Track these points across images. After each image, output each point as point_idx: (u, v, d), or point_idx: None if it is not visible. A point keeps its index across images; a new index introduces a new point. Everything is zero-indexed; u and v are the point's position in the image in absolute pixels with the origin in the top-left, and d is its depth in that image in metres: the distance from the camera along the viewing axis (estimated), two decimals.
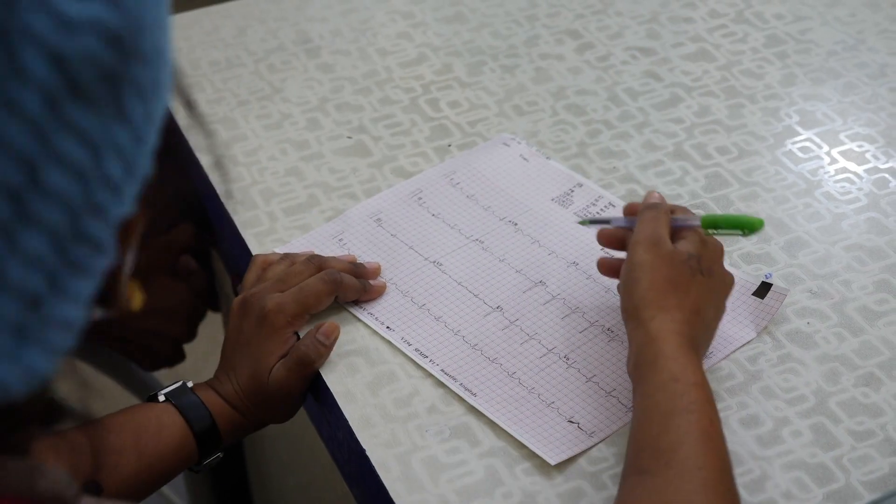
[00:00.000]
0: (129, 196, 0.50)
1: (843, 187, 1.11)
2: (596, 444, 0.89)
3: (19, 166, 0.45)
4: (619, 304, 0.99)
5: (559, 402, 0.92)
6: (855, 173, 1.12)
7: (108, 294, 0.52)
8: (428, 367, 0.95)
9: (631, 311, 0.87)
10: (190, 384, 0.97)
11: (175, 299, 1.32)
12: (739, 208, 1.08)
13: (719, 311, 0.91)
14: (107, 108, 0.47)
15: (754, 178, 1.12)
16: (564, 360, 0.95)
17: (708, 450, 0.79)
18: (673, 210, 0.94)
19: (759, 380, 0.94)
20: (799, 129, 1.17)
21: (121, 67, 0.47)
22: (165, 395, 0.96)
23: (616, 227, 0.96)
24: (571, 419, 0.91)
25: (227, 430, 0.97)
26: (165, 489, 1.73)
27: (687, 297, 0.87)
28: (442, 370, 0.95)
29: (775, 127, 1.17)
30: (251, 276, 1.01)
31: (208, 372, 1.01)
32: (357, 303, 1.00)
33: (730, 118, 1.18)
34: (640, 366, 0.84)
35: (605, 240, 0.97)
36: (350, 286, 0.99)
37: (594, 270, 1.02)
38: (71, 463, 0.83)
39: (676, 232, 0.92)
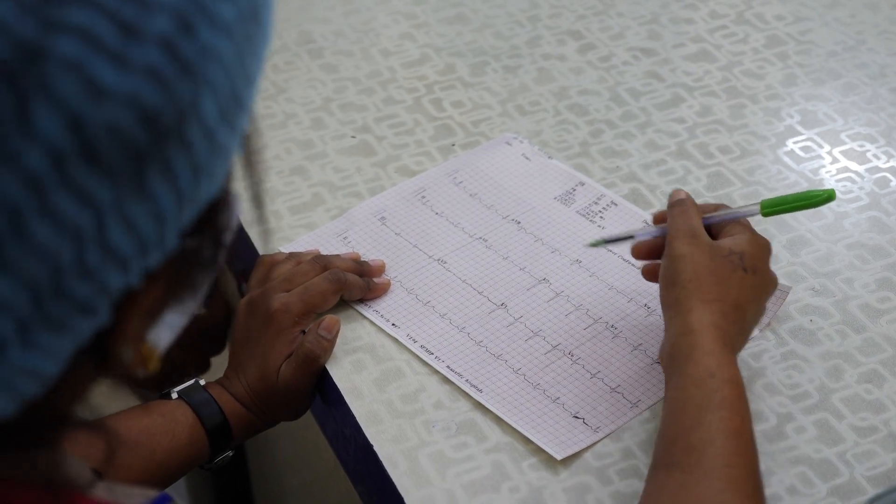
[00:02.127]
0: (136, 269, 0.48)
1: (844, 186, 1.11)
2: (601, 440, 0.90)
3: (2, 212, 0.44)
4: (623, 301, 1.00)
5: (564, 397, 0.93)
6: (856, 172, 1.13)
7: (105, 354, 0.51)
8: (434, 363, 0.96)
9: (671, 301, 0.87)
10: (202, 382, 0.97)
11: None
12: None
13: (759, 310, 0.90)
14: (124, 180, 0.46)
15: (756, 177, 1.12)
16: (569, 356, 0.96)
17: (737, 448, 0.79)
18: (716, 207, 0.94)
19: (763, 376, 0.94)
20: (800, 128, 1.18)
21: (152, 146, 0.46)
22: (178, 392, 0.96)
23: (642, 239, 0.95)
24: (577, 415, 0.92)
25: (238, 428, 0.97)
26: (168, 490, 1.74)
27: (728, 292, 0.86)
28: (448, 367, 0.95)
29: (777, 127, 1.18)
30: (257, 275, 1.02)
31: (213, 375, 1.01)
32: (363, 301, 1.01)
33: (731, 118, 1.19)
34: (676, 357, 0.84)
35: (643, 252, 0.95)
36: (354, 284, 0.99)
37: (597, 268, 1.03)
38: (84, 455, 0.84)
39: (724, 227, 0.91)
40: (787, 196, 0.93)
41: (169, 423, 0.94)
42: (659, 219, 0.96)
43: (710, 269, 0.87)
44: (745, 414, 0.81)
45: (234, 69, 0.48)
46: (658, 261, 0.93)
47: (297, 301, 0.96)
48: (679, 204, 0.92)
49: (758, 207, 0.92)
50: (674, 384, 0.83)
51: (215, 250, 0.54)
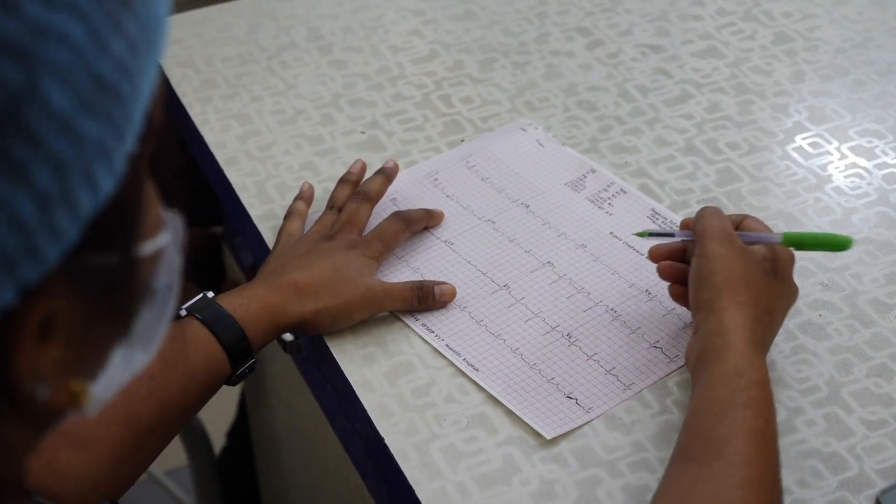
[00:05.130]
0: (7, 287, 0.43)
1: (852, 182, 1.12)
2: (591, 420, 0.91)
3: None
4: (624, 286, 1.00)
5: (559, 377, 0.94)
6: (865, 168, 1.13)
7: (7, 391, 0.46)
8: (433, 341, 0.97)
9: (704, 302, 0.87)
10: (210, 294, 0.94)
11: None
12: (751, 203, 1.09)
13: (783, 318, 0.91)
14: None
15: (765, 172, 1.13)
16: (567, 337, 0.97)
17: (758, 448, 0.79)
18: (741, 219, 0.94)
19: (773, 370, 0.94)
20: (808, 124, 1.18)
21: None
22: (187, 309, 0.92)
23: (674, 241, 0.95)
24: (570, 395, 0.92)
25: (260, 326, 0.93)
26: (173, 487, 1.74)
27: (760, 297, 0.87)
28: (447, 345, 0.97)
29: (785, 123, 1.19)
30: (294, 224, 1.04)
31: None
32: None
33: (740, 114, 1.19)
34: (706, 355, 0.84)
35: (663, 254, 0.95)
36: (418, 217, 1.04)
37: (602, 253, 1.04)
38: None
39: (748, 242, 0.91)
40: (807, 234, 0.95)
41: (180, 345, 0.90)
42: (685, 225, 0.96)
43: (743, 272, 0.87)
44: (769, 416, 0.81)
45: (90, 51, 0.43)
46: (677, 263, 0.95)
47: (375, 240, 1.00)
48: (712, 209, 0.92)
49: (780, 237, 0.93)
50: (702, 381, 0.84)
51: (134, 268, 0.49)
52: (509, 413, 0.92)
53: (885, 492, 0.81)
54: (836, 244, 0.95)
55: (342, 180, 1.08)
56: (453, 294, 0.99)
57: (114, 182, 0.45)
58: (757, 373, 0.83)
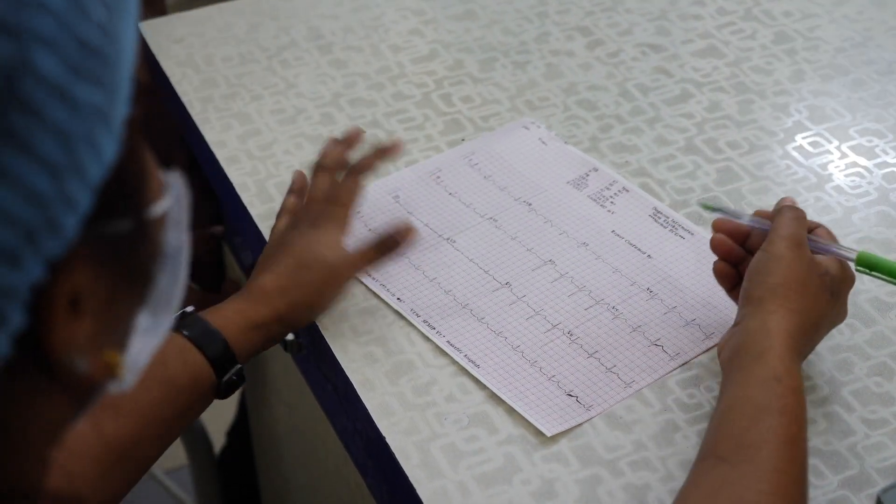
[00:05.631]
0: (31, 262, 0.44)
1: (853, 181, 1.12)
2: (591, 418, 0.91)
3: None
4: (626, 284, 1.00)
5: (560, 375, 0.94)
6: (865, 168, 1.13)
7: (48, 366, 0.47)
8: (434, 338, 0.97)
9: (755, 298, 0.86)
10: (189, 309, 0.93)
11: (184, 304, 1.31)
12: (752, 202, 1.09)
13: (824, 335, 0.91)
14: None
15: (765, 172, 1.13)
16: (568, 335, 0.97)
17: (790, 456, 0.78)
18: (818, 227, 0.92)
19: None
20: (808, 124, 1.18)
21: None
22: None
23: (742, 223, 0.94)
24: (570, 392, 0.93)
25: (239, 332, 0.93)
26: (173, 486, 1.74)
27: (813, 309, 0.86)
28: (448, 342, 0.97)
29: (785, 122, 1.19)
30: (281, 222, 1.03)
31: None
32: (370, 275, 1.02)
33: (740, 113, 1.20)
34: (744, 353, 0.83)
35: (726, 229, 0.94)
36: (364, 162, 1.03)
37: (604, 251, 1.04)
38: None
39: (820, 252, 0.90)
40: (883, 261, 0.90)
41: (158, 354, 0.90)
42: (760, 215, 0.94)
43: (803, 280, 0.86)
44: (803, 425, 0.81)
45: (72, 17, 0.44)
46: (730, 241, 0.93)
47: (332, 207, 1.00)
48: (794, 210, 0.91)
49: (854, 255, 0.90)
50: (737, 380, 0.83)
51: (147, 232, 0.50)
52: (510, 412, 0.92)
53: (885, 490, 0.81)
54: None
55: (333, 141, 1.07)
56: (409, 229, 0.98)
57: (115, 146, 0.46)
58: (795, 380, 0.82)
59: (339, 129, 1.18)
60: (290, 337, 1.04)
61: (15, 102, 0.42)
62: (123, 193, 0.48)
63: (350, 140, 1.06)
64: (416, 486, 0.87)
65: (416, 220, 1.07)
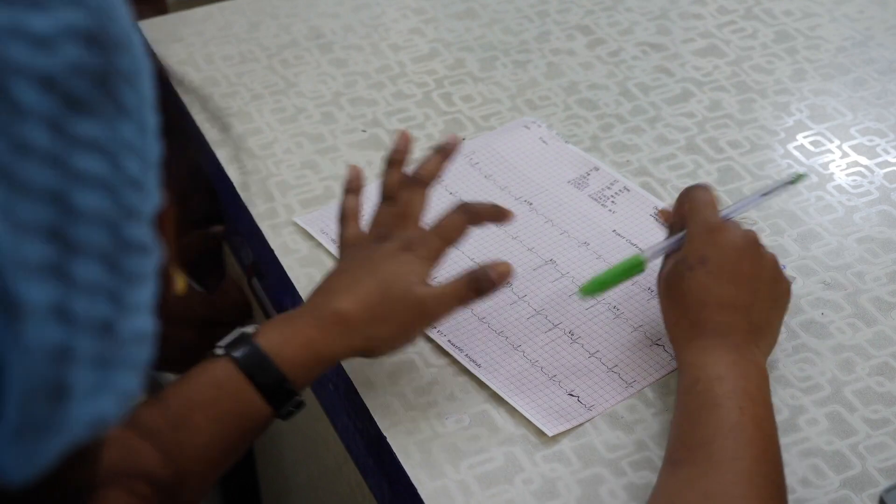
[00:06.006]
0: (152, 188, 0.47)
1: (854, 181, 1.12)
2: (593, 418, 0.91)
3: (50, 203, 0.42)
4: (627, 284, 1.01)
5: (561, 375, 0.94)
6: (866, 167, 1.13)
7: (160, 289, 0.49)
8: (436, 337, 0.97)
9: (687, 330, 0.89)
10: (251, 329, 0.88)
11: (184, 303, 1.30)
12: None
13: (723, 296, 0.89)
14: (108, 110, 0.44)
15: (766, 171, 1.13)
16: (569, 335, 0.97)
17: (742, 441, 0.79)
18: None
19: (775, 369, 0.94)
20: (809, 123, 1.18)
21: (106, 64, 0.44)
22: (224, 346, 0.87)
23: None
24: (572, 392, 0.92)
25: (304, 364, 0.87)
26: None
27: (683, 300, 0.90)
28: (449, 341, 0.97)
29: (786, 121, 1.19)
30: (350, 229, 0.96)
31: None
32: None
33: (741, 112, 1.19)
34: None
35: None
36: (484, 211, 0.94)
37: (604, 251, 1.04)
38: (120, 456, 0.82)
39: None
40: (606, 277, 0.94)
41: (214, 390, 0.86)
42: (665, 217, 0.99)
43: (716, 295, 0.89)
44: (743, 403, 0.82)
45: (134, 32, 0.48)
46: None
47: (433, 237, 0.92)
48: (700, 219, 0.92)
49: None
50: (678, 386, 0.87)
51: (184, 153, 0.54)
52: (511, 411, 0.92)
53: (888, 491, 0.81)
54: (634, 269, 0.94)
55: (389, 162, 0.97)
56: (509, 270, 0.90)
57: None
58: (713, 369, 0.84)
59: (339, 129, 1.18)
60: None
61: (115, 46, 0.46)
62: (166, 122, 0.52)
63: (448, 151, 0.97)
64: (417, 485, 0.87)
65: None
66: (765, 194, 0.99)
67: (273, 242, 1.07)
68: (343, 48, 1.29)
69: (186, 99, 0.56)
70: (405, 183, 0.96)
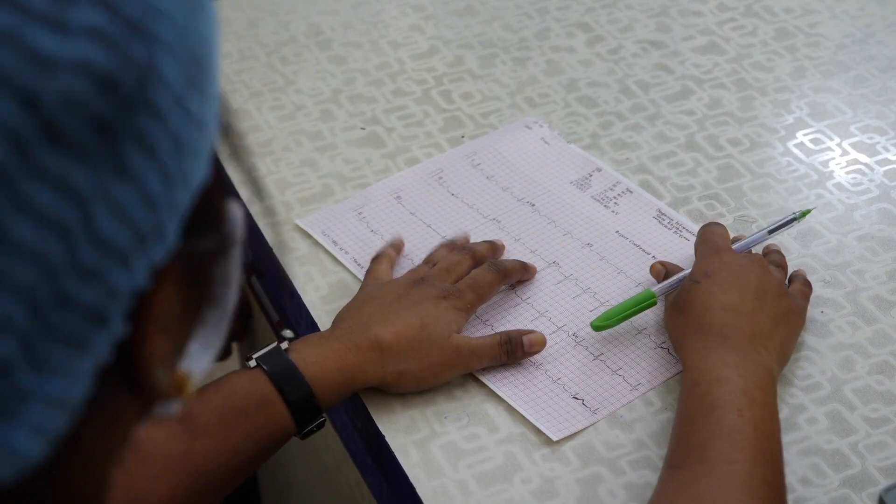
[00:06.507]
0: (139, 265, 0.43)
1: (854, 178, 1.11)
2: (597, 422, 0.91)
3: None
4: (630, 285, 1.01)
5: (565, 378, 0.93)
6: (866, 164, 1.13)
7: (131, 372, 0.45)
8: None
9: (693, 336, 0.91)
10: (285, 345, 0.89)
11: None
12: (753, 199, 1.09)
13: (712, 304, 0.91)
14: (99, 160, 0.41)
15: (766, 169, 1.12)
16: (573, 337, 0.96)
17: (738, 443, 0.80)
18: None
19: None
20: (810, 120, 1.18)
21: (118, 116, 0.41)
22: (257, 359, 0.88)
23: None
24: (576, 396, 0.92)
25: (332, 385, 0.88)
26: None
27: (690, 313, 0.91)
28: None
29: (786, 119, 1.18)
30: (382, 267, 1.00)
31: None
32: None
33: (741, 110, 1.19)
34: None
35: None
36: (514, 269, 0.99)
37: (608, 252, 1.03)
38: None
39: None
40: (616, 312, 0.95)
41: (242, 400, 0.86)
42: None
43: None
44: (741, 406, 0.82)
45: (188, 28, 0.44)
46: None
47: (468, 290, 0.95)
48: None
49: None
50: (680, 389, 0.87)
51: (225, 250, 0.49)
52: (510, 410, 0.92)
53: (888, 490, 0.81)
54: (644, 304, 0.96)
55: (444, 244, 1.03)
56: (543, 343, 0.94)
57: (209, 155, 0.46)
58: (712, 372, 0.85)
59: (338, 126, 1.18)
60: (289, 335, 1.04)
61: (144, 105, 0.42)
62: (210, 211, 0.48)
63: (498, 249, 1.03)
64: (416, 484, 0.87)
65: (419, 220, 1.07)
66: (771, 231, 1.02)
67: (271, 241, 1.06)
68: (342, 45, 1.29)
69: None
70: (456, 249, 1.01)
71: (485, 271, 0.97)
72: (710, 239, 0.96)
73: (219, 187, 0.49)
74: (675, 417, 0.85)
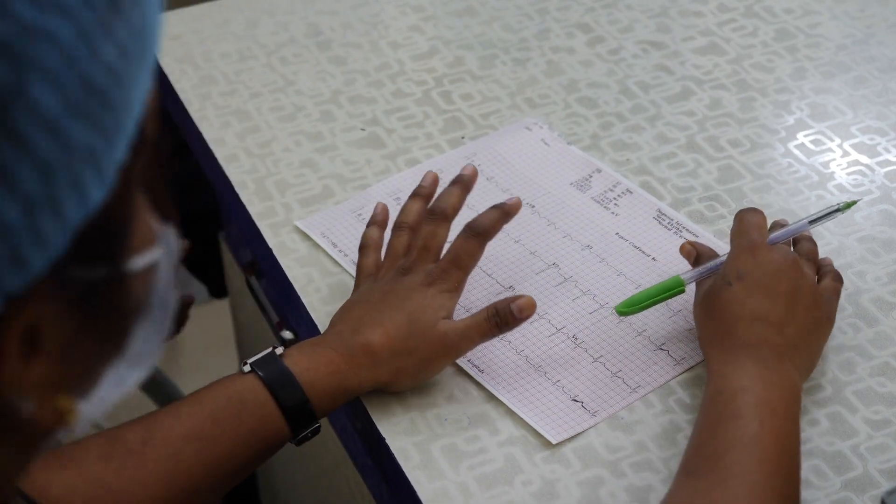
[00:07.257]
0: (35, 264, 0.42)
1: (855, 180, 1.11)
2: (596, 424, 0.90)
3: None
4: (631, 287, 1.00)
5: (565, 380, 0.93)
6: (867, 166, 1.13)
7: None
8: None
9: (722, 349, 0.89)
10: (279, 350, 0.89)
11: None
12: (753, 200, 1.08)
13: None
14: None
15: (767, 170, 1.12)
16: (573, 339, 0.96)
17: (758, 455, 0.79)
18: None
19: None
20: (810, 122, 1.18)
21: (8, 86, 0.40)
22: (251, 364, 0.88)
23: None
24: (576, 398, 0.92)
25: (326, 392, 0.88)
26: None
27: (722, 318, 0.89)
28: None
29: (787, 120, 1.18)
30: (368, 262, 0.97)
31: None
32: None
33: (741, 111, 1.19)
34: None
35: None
36: (492, 224, 0.94)
37: (608, 254, 1.03)
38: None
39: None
40: (642, 298, 0.95)
41: (236, 405, 0.86)
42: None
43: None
44: (763, 417, 0.81)
45: (80, 54, 0.42)
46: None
47: (451, 269, 0.93)
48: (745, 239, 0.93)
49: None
50: (703, 396, 0.86)
51: (124, 283, 0.48)
52: (511, 413, 0.91)
53: (890, 493, 0.81)
54: (673, 291, 0.95)
55: (414, 194, 1.00)
56: (533, 305, 0.91)
57: (103, 192, 0.44)
58: (737, 381, 0.83)
59: (338, 127, 1.18)
60: (289, 335, 1.04)
61: (1, 128, 0.41)
62: (105, 240, 0.46)
63: (468, 184, 0.98)
64: (416, 487, 0.87)
65: None
66: (813, 221, 0.98)
67: (271, 241, 1.06)
68: (342, 46, 1.29)
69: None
70: (427, 216, 0.97)
71: (464, 241, 0.93)
72: (747, 231, 0.92)
73: (126, 215, 0.47)
74: (694, 423, 0.84)
